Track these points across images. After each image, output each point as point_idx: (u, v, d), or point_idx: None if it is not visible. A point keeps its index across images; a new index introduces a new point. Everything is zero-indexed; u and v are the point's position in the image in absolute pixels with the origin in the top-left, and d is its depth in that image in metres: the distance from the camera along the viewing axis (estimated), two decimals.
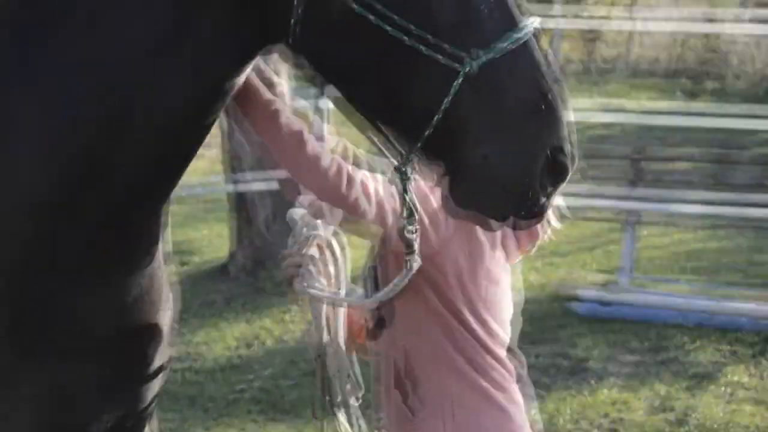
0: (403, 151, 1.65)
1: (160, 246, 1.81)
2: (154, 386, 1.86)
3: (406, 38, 1.50)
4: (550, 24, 14.09)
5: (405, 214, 1.72)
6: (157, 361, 1.84)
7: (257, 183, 7.22)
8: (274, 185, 7.05)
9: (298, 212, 2.10)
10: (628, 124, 11.05)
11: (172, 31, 1.52)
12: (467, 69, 1.51)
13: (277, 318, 6.44)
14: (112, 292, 1.70)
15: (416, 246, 1.74)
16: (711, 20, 14.90)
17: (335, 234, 2.07)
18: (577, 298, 6.80)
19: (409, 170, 1.67)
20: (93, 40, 1.51)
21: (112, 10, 1.52)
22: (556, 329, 6.24)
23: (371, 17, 1.49)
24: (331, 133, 2.20)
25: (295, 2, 1.51)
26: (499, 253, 2.10)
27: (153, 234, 1.74)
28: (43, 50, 1.53)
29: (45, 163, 1.54)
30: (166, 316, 1.85)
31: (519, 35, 1.54)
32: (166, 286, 1.86)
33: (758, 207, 6.88)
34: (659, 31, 15.54)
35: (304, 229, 2.05)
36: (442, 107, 1.52)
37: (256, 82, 1.76)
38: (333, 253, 2.05)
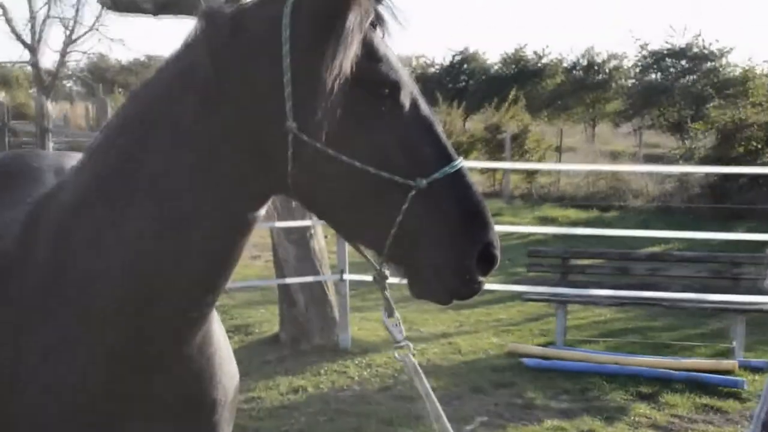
0: (375, 262, 1.78)
1: (215, 334, 1.94)
2: (223, 425, 1.98)
3: (371, 169, 1.62)
4: (502, 165, 17.16)
5: (386, 311, 1.85)
6: (224, 415, 1.96)
7: (298, 278, 7.67)
8: (309, 280, 7.73)
9: None
10: (559, 234, 11.90)
11: (208, 197, 1.69)
12: (419, 184, 1.64)
13: (314, 372, 7.05)
14: (181, 370, 1.83)
15: (401, 337, 1.81)
16: (616, 159, 17.81)
17: None
18: (525, 356, 7.40)
19: (384, 274, 1.79)
20: (156, 209, 1.70)
21: (171, 194, 1.70)
22: (511, 378, 6.87)
23: (344, 158, 1.62)
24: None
25: (289, 160, 1.66)
26: None
27: (207, 329, 1.87)
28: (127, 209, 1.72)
29: (128, 281, 1.72)
30: (229, 385, 1.97)
31: (455, 163, 1.68)
32: (225, 363, 1.98)
33: (651, 291, 7.56)
34: (579, 169, 17.61)
35: None
36: (400, 217, 1.64)
37: None
38: None
